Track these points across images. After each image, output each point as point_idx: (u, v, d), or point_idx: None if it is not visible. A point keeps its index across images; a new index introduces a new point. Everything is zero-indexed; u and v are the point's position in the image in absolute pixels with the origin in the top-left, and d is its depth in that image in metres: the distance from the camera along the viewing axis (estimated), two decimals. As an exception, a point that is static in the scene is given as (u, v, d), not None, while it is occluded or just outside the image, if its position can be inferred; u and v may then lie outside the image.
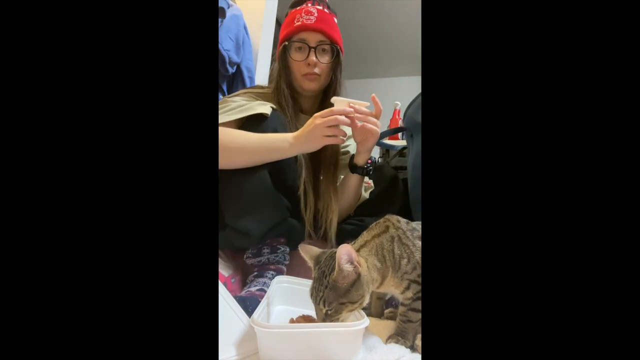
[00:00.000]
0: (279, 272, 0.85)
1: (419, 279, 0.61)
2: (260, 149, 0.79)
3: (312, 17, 0.94)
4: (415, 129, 1.00)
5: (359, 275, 0.56)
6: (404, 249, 0.62)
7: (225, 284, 0.81)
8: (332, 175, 0.95)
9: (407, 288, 0.62)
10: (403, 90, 3.12)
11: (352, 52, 2.88)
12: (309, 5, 0.96)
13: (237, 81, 1.70)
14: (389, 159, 1.36)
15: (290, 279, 0.77)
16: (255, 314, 0.54)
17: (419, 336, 0.60)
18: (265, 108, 0.84)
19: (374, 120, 0.85)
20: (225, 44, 1.57)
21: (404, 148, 1.24)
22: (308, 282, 0.63)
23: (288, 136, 0.80)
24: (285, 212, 0.84)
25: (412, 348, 0.59)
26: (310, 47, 0.93)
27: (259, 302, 0.63)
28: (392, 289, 0.64)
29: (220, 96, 1.57)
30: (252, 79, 1.76)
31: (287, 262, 0.89)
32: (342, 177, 0.99)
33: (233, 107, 0.85)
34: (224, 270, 0.85)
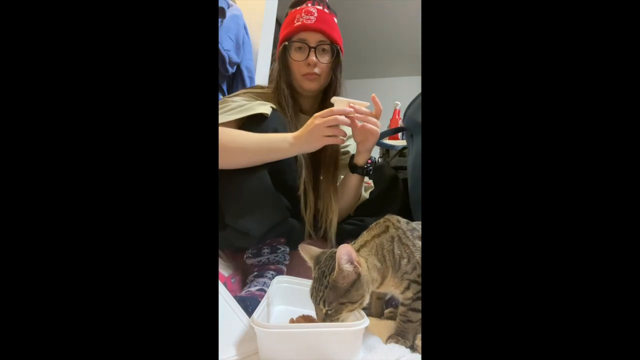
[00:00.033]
0: (279, 272, 0.85)
1: (419, 279, 0.61)
2: (260, 149, 0.79)
3: (312, 17, 0.94)
4: (415, 129, 1.00)
5: (359, 275, 0.56)
6: (404, 249, 0.62)
7: (225, 284, 0.81)
8: (332, 175, 0.95)
9: (407, 288, 0.62)
10: (403, 90, 3.12)
11: (352, 52, 2.88)
12: (309, 5, 0.96)
13: (237, 81, 1.70)
14: (389, 159, 1.36)
15: (290, 279, 0.77)
16: (255, 314, 0.54)
17: (419, 336, 0.60)
18: (265, 108, 0.84)
19: (374, 120, 0.85)
20: (225, 44, 1.57)
21: (404, 148, 1.24)
22: (308, 282, 0.64)
23: (288, 136, 0.80)
24: (285, 212, 0.84)
25: (412, 348, 0.59)
26: (310, 47, 0.93)
27: (259, 302, 0.63)
28: (392, 289, 0.64)
29: (220, 96, 1.57)
30: (252, 79, 1.76)
31: (287, 262, 0.89)
32: (342, 177, 0.99)
33: (233, 107, 0.85)
34: (224, 270, 0.85)
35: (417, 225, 0.66)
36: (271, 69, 1.08)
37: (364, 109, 0.83)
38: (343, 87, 1.00)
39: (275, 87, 0.97)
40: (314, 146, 0.80)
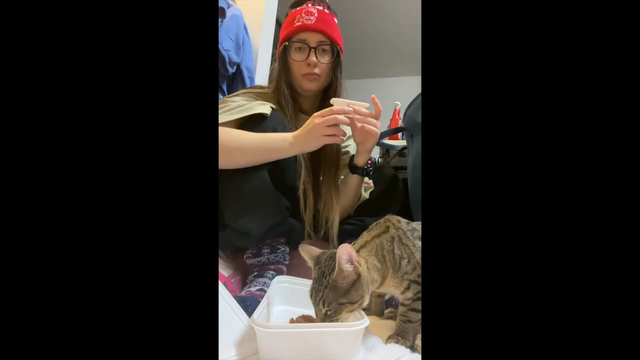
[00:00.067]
0: (279, 272, 0.85)
1: (419, 279, 0.61)
2: (260, 149, 0.79)
3: (312, 18, 0.94)
4: (415, 129, 1.00)
5: (358, 275, 0.56)
6: (404, 249, 0.62)
7: (225, 284, 0.81)
8: (333, 175, 0.95)
9: (407, 288, 0.62)
10: (403, 90, 3.12)
11: (352, 52, 2.87)
12: (309, 5, 0.96)
13: (237, 81, 1.70)
14: (389, 159, 1.36)
15: (290, 279, 0.77)
16: (255, 314, 0.54)
17: (419, 336, 0.60)
18: (265, 108, 0.84)
19: (374, 121, 0.85)
20: (225, 44, 1.57)
21: (404, 148, 1.24)
22: (308, 282, 0.63)
23: (287, 136, 0.80)
24: (285, 212, 0.84)
25: (412, 348, 0.59)
26: (310, 48, 0.93)
27: (259, 302, 0.63)
28: (392, 289, 0.64)
29: (220, 96, 1.57)
30: (252, 79, 1.76)
31: (287, 262, 0.89)
32: (341, 177, 0.99)
33: (233, 107, 0.85)
34: (224, 270, 0.85)
35: (417, 225, 0.66)
36: (271, 69, 1.08)
37: (364, 110, 0.83)
38: (343, 87, 1.00)
39: (275, 87, 0.97)
40: (314, 146, 0.80)
